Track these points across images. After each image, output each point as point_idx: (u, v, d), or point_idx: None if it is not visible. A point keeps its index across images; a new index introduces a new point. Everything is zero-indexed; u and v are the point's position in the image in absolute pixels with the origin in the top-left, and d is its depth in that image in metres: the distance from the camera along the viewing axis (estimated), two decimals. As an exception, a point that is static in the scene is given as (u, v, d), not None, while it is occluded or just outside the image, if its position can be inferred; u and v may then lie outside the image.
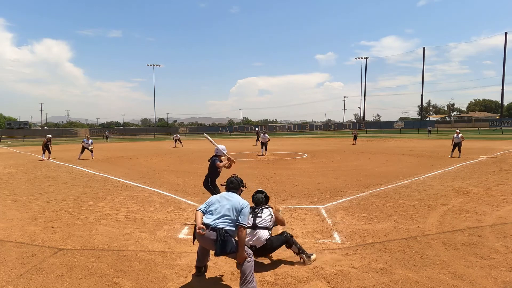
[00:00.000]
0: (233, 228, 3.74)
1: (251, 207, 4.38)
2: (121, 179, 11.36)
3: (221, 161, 6.28)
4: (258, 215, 4.47)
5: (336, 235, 5.36)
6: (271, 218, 4.47)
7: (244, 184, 4.42)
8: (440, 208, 6.88)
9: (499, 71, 70.21)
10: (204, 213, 3.91)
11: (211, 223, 3.72)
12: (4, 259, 4.54)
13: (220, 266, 4.28)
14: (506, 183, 9.46)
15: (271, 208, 4.62)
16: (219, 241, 3.62)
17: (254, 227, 4.34)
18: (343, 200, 7.78)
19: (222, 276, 4.03)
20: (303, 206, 7.27)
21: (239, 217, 3.78)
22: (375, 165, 14.29)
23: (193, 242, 3.98)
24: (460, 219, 6.06)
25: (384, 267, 4.13)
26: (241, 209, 3.84)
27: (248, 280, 3.56)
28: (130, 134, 74.60)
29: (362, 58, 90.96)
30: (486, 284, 3.65)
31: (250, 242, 4.24)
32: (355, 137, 30.12)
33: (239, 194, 4.23)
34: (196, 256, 4.08)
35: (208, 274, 4.05)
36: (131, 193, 8.96)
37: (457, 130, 17.88)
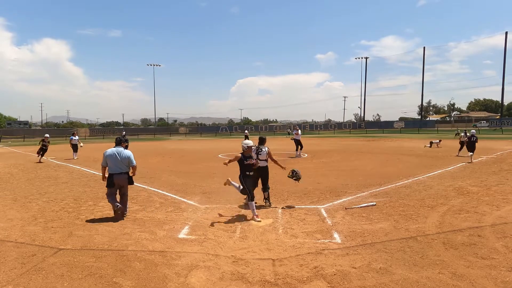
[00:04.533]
0: (128, 170, 6.62)
1: (256, 146, 7.29)
2: (121, 179, 11.34)
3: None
4: (259, 152, 7.30)
5: (336, 235, 5.36)
6: (266, 154, 7.32)
7: (127, 140, 7.44)
8: (440, 208, 6.88)
9: (499, 71, 70.31)
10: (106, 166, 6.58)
11: (119, 171, 6.46)
12: (4, 259, 4.54)
13: (220, 266, 4.29)
14: (506, 183, 9.47)
15: (267, 148, 7.44)
16: (129, 178, 6.63)
17: (257, 159, 7.10)
18: (343, 200, 7.78)
19: (222, 276, 4.03)
20: (303, 206, 7.27)
21: (130, 161, 6.56)
22: (375, 165, 14.29)
23: (108, 186, 6.48)
24: (460, 219, 6.06)
25: (384, 267, 4.13)
26: (128, 156, 6.56)
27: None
28: (130, 134, 74.33)
29: (362, 58, 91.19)
30: (486, 284, 3.65)
31: (259, 165, 6.97)
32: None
33: (125, 148, 6.87)
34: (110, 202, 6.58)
35: (208, 274, 4.05)
36: (131, 193, 8.90)
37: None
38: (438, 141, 23.69)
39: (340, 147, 26.40)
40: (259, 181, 7.35)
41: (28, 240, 5.29)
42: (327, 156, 18.71)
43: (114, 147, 6.64)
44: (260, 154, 7.27)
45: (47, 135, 18.69)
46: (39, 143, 18.14)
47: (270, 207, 7.20)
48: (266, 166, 7.35)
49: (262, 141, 7.53)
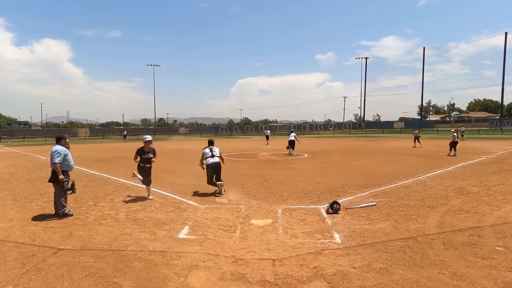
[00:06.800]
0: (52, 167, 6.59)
1: (209, 147, 8.95)
2: (121, 179, 11.35)
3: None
4: (213, 150, 8.88)
5: (336, 235, 5.36)
6: (219, 152, 8.96)
7: (62, 136, 6.95)
8: (440, 208, 6.88)
9: (499, 71, 70.29)
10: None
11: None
12: (4, 259, 4.54)
13: (220, 266, 4.29)
14: (506, 183, 9.46)
15: (218, 148, 9.09)
16: (51, 174, 6.64)
17: (212, 155, 8.78)
18: (343, 200, 7.77)
19: (222, 276, 4.03)
20: (303, 206, 7.27)
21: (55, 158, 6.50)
22: (375, 165, 14.29)
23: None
24: (460, 219, 6.06)
25: (384, 267, 4.13)
26: (51, 151, 6.59)
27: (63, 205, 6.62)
28: (130, 134, 74.58)
29: (362, 58, 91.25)
30: (486, 284, 3.65)
31: (212, 161, 8.72)
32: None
33: (64, 144, 6.79)
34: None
35: (208, 274, 4.05)
36: (131, 193, 8.96)
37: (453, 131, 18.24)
38: (417, 132, 25.43)
39: (340, 147, 26.40)
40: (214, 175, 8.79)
41: (28, 240, 5.29)
42: (327, 156, 18.71)
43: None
44: (215, 152, 8.89)
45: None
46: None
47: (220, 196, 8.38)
48: (219, 162, 8.87)
49: (211, 143, 9.16)
